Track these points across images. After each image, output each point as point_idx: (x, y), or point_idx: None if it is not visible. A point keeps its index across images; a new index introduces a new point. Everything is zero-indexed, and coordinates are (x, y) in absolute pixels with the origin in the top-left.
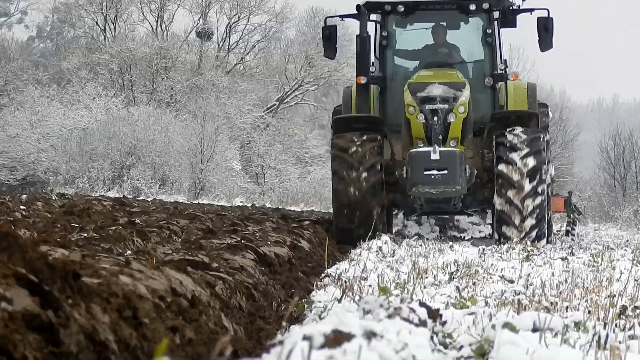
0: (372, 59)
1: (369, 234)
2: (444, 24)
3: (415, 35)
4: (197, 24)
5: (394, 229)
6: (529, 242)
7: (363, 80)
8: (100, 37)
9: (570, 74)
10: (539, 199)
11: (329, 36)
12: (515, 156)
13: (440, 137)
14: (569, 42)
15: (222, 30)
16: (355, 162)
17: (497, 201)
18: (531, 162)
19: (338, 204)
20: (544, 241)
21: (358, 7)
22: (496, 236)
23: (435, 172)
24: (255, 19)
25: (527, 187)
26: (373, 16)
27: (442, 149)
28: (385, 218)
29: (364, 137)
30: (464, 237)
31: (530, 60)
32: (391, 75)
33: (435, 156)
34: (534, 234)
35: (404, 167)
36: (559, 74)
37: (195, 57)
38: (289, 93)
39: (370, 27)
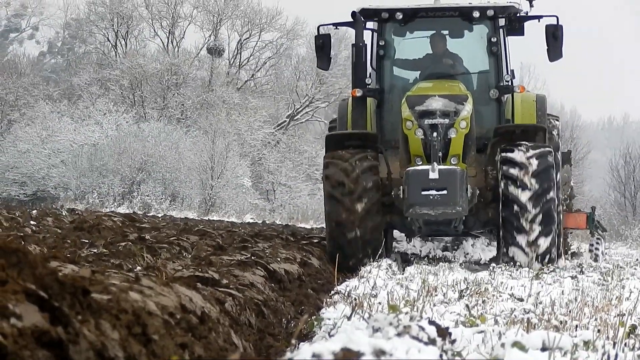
0: (369, 70)
1: (365, 261)
2: (445, 32)
3: (414, 44)
4: (208, 41)
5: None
6: (537, 264)
7: (358, 93)
8: (111, 53)
9: (580, 92)
10: (547, 220)
11: (322, 46)
12: (520, 174)
13: (440, 154)
14: (579, 59)
15: (233, 47)
16: (348, 185)
17: (502, 223)
18: (538, 180)
19: (331, 229)
20: (555, 261)
21: (353, 14)
22: (502, 260)
23: (433, 192)
24: (266, 36)
25: (535, 207)
26: (369, 24)
27: (442, 167)
28: (384, 241)
29: (358, 157)
30: (470, 259)
31: (541, 78)
32: (389, 87)
33: (433, 175)
34: (542, 257)
35: (401, 187)
36: (569, 92)
37: (206, 73)
38: (299, 110)
39: (367, 36)
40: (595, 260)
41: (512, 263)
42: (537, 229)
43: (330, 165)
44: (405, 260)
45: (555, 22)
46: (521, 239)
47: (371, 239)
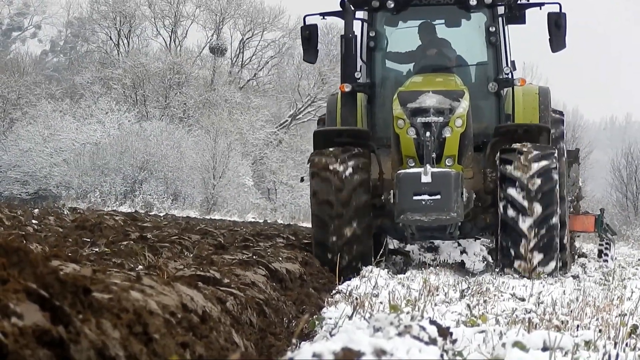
0: (359, 63)
1: (355, 266)
2: (440, 21)
3: (407, 35)
4: (210, 40)
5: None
6: (539, 270)
7: (347, 87)
8: (113, 52)
9: (583, 92)
10: (549, 225)
11: (309, 37)
12: (522, 176)
13: (434, 155)
14: (582, 59)
15: (236, 46)
16: (338, 182)
17: (501, 227)
18: (541, 183)
19: (318, 230)
20: (556, 270)
21: (342, 3)
22: (499, 267)
23: (426, 197)
24: (268, 35)
25: (536, 211)
26: (359, 14)
27: (435, 170)
28: (373, 245)
29: (348, 153)
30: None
31: (543, 77)
32: (380, 82)
33: (426, 178)
34: (545, 264)
35: (391, 191)
36: (571, 92)
37: (208, 72)
38: (301, 109)
39: (357, 27)
40: (605, 263)
41: (510, 270)
42: (539, 233)
43: (317, 162)
44: (399, 269)
45: (558, 10)
46: (521, 245)
47: (360, 241)
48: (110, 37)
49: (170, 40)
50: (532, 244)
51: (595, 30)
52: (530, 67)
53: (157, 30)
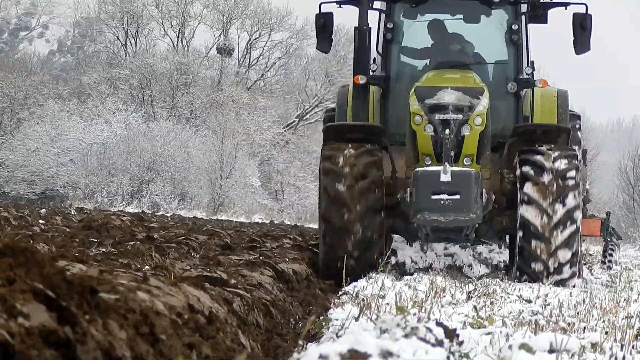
0: (374, 55)
1: (366, 269)
2: (460, 16)
3: (425, 29)
4: (217, 40)
5: (394, 259)
6: (556, 278)
7: (362, 80)
8: (120, 52)
9: (590, 94)
10: (572, 228)
11: (323, 25)
12: (544, 177)
13: (452, 153)
14: (589, 61)
15: (243, 47)
16: (350, 179)
17: (520, 229)
18: (563, 184)
19: (327, 229)
20: (575, 279)
21: None
22: (517, 272)
23: (445, 196)
24: (276, 36)
25: (559, 213)
26: (376, 4)
27: (455, 168)
28: (385, 247)
29: (361, 149)
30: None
31: (550, 79)
32: (396, 75)
33: (445, 177)
34: (565, 269)
35: (407, 189)
36: (578, 94)
37: (215, 73)
38: (308, 110)
39: (374, 19)
40: (609, 269)
41: (528, 275)
42: (561, 236)
43: (329, 158)
44: (403, 272)
45: (584, 11)
46: (542, 248)
47: (371, 242)
48: (118, 37)
49: (178, 40)
50: (553, 247)
51: (603, 32)
52: (538, 68)
53: (164, 30)
